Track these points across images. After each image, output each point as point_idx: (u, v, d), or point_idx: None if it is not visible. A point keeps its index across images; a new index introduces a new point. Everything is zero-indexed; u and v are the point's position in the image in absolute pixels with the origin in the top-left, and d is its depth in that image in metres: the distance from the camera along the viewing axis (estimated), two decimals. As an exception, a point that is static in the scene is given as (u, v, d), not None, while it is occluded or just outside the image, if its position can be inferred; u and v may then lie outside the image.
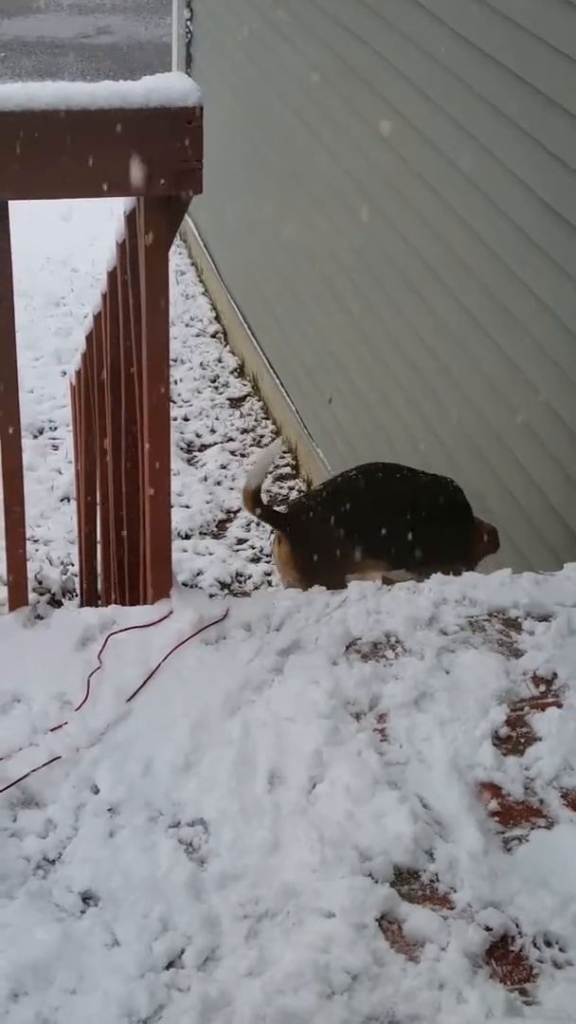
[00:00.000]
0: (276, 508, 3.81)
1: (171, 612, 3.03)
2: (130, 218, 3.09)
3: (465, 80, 4.49)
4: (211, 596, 3.59)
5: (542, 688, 2.85)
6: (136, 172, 2.71)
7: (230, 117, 7.83)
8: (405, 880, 2.34)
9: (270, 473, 6.89)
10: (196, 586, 5.79)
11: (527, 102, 4.01)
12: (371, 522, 3.71)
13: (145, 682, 2.82)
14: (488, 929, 2.23)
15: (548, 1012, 2.07)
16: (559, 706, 2.77)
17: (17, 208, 2.81)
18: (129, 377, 3.31)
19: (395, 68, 5.15)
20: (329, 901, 2.26)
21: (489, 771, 2.59)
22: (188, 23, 9.13)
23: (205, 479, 6.81)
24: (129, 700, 2.77)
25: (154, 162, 2.71)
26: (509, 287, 4.25)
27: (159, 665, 2.86)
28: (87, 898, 2.32)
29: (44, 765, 2.58)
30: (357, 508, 3.74)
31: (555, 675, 2.88)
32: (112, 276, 3.53)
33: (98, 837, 2.43)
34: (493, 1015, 2.04)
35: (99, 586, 4.75)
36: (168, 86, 2.74)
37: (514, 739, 2.70)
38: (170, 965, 2.17)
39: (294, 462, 6.95)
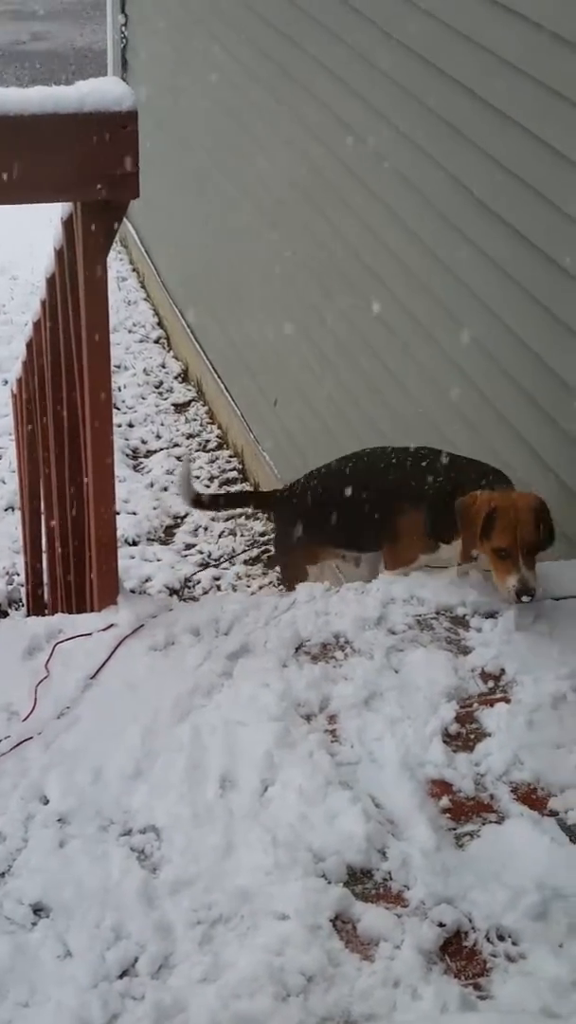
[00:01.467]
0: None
1: (118, 619, 3.02)
2: (67, 224, 3.07)
3: (395, 79, 4.52)
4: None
5: (490, 684, 2.87)
6: (71, 177, 2.70)
7: (167, 122, 7.82)
8: (358, 880, 2.35)
9: (216, 478, 6.88)
10: (145, 592, 5.76)
11: (459, 103, 4.04)
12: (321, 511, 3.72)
13: (97, 672, 2.85)
14: (441, 925, 2.23)
15: (502, 1006, 2.08)
16: (507, 701, 2.79)
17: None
18: (71, 384, 3.30)
19: (328, 69, 5.17)
20: (283, 903, 2.26)
21: (440, 768, 2.60)
22: (123, 28, 9.09)
23: (151, 485, 6.79)
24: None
25: (89, 167, 2.70)
26: (448, 285, 4.28)
27: (110, 655, 2.90)
28: (38, 909, 2.29)
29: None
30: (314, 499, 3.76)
31: (503, 671, 2.89)
32: (51, 283, 3.51)
33: (48, 848, 2.41)
34: (448, 1011, 2.05)
35: (46, 595, 4.72)
36: (102, 91, 2.73)
37: (464, 736, 2.71)
38: (123, 974, 2.16)
39: (241, 466, 6.94)
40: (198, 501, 4.13)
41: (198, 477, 6.88)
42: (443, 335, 4.37)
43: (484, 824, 2.48)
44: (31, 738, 2.68)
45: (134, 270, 9.51)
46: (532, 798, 2.54)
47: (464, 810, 2.51)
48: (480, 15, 3.88)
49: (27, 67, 14.49)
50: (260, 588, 5.82)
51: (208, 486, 6.79)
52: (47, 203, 2.84)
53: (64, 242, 3.16)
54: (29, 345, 4.49)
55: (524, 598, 3.01)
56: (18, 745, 2.66)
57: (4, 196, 2.78)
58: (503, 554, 3.05)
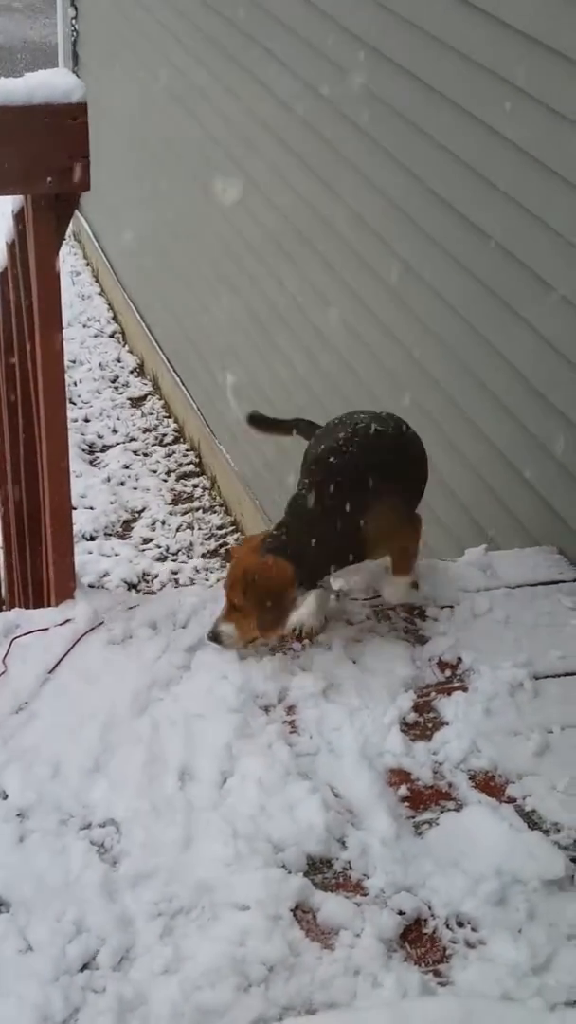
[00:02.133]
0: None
1: (75, 614, 3.01)
2: (18, 217, 3.05)
3: (343, 66, 4.53)
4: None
5: (447, 673, 2.89)
6: (21, 170, 2.68)
7: (119, 115, 7.78)
8: (318, 869, 2.36)
9: (173, 472, 6.87)
10: (103, 587, 5.75)
11: (408, 90, 4.06)
12: None
13: (55, 667, 2.84)
14: (401, 913, 2.25)
15: (462, 992, 2.10)
16: (464, 690, 2.81)
17: None
18: (24, 378, 3.28)
19: (280, 61, 5.17)
20: (243, 894, 2.27)
21: (398, 757, 2.62)
22: (73, 21, 9.04)
23: (108, 480, 6.77)
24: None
25: (39, 159, 2.68)
26: (401, 274, 4.29)
27: (69, 650, 2.89)
28: (-2, 905, 2.29)
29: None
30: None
31: (460, 660, 2.91)
32: (3, 277, 3.49)
33: (7, 843, 2.40)
34: (408, 997, 2.06)
35: (2, 590, 4.70)
36: (51, 83, 2.71)
37: (422, 724, 2.73)
38: (85, 967, 2.16)
39: (198, 459, 6.93)
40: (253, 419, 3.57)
41: (155, 471, 6.86)
42: (399, 326, 4.39)
43: (443, 812, 2.50)
44: (-11, 734, 2.67)
45: (88, 264, 9.47)
46: (490, 785, 2.56)
47: (423, 798, 2.53)
48: (434, 10, 3.90)
49: (-23, 61, 14.35)
50: (218, 581, 5.82)
51: (165, 480, 6.78)
52: (-2, 196, 2.82)
53: (15, 236, 3.14)
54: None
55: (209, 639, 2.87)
56: (-24, 741, 2.64)
57: (-46, 190, 2.75)
58: None
